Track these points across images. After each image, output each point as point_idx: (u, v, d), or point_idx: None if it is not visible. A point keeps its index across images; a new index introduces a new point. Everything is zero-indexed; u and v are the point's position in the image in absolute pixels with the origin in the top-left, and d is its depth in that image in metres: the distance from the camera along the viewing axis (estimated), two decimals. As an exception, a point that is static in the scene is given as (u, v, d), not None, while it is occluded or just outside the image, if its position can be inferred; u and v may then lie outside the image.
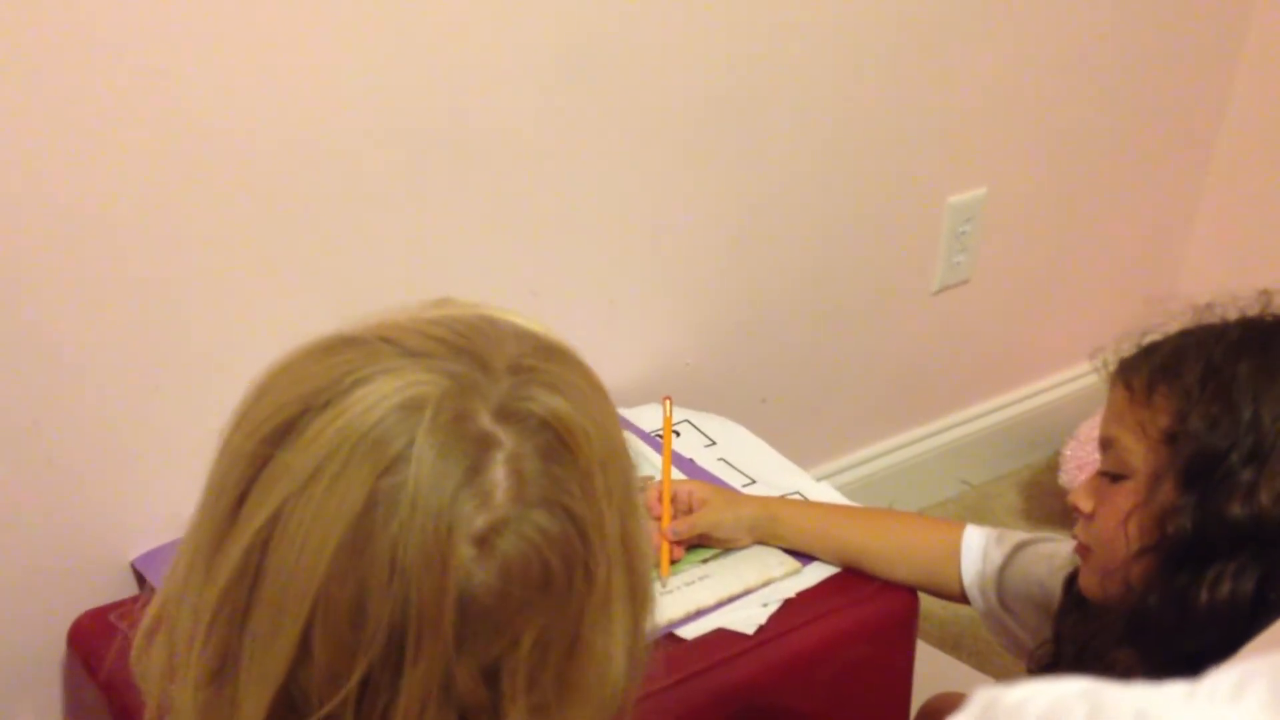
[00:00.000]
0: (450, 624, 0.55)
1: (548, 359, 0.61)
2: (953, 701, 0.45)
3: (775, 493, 1.33)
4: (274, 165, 1.18)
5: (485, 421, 0.57)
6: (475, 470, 0.56)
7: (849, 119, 1.57)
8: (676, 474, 1.31)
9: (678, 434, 1.41)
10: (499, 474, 0.56)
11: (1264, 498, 0.90)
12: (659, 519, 1.21)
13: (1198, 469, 0.92)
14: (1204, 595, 0.90)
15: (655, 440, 1.38)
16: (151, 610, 0.63)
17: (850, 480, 1.79)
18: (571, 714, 0.60)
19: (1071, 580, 1.08)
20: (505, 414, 0.58)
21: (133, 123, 1.09)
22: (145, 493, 1.23)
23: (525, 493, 0.57)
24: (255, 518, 0.56)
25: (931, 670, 1.36)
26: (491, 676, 0.57)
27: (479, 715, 0.57)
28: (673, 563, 1.21)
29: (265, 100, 1.15)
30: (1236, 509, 0.90)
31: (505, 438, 0.57)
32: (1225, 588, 0.90)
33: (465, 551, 0.55)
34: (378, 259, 1.27)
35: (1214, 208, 2.02)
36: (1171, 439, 0.94)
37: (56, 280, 1.12)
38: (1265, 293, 1.01)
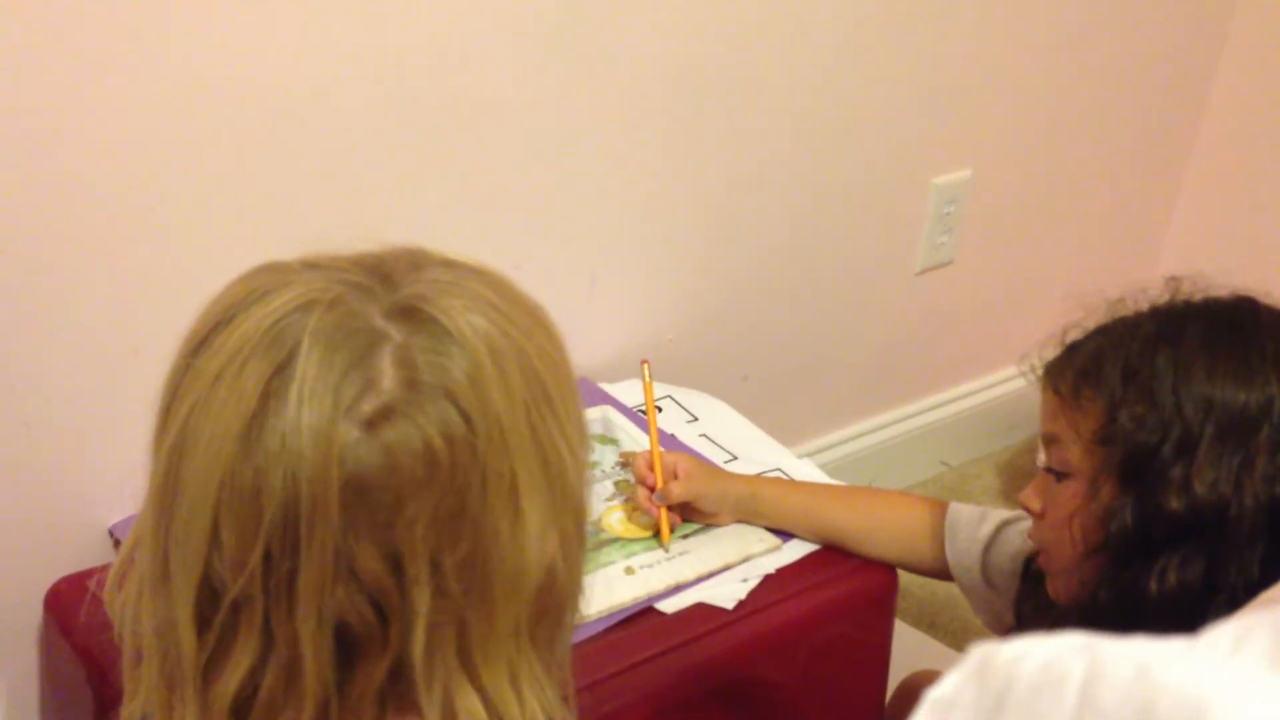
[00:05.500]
0: (337, 503, 0.58)
1: (466, 276, 0.64)
2: (930, 678, 0.45)
3: (757, 469, 1.33)
4: (254, 132, 1.17)
5: (376, 319, 0.61)
6: (363, 359, 0.59)
7: (835, 98, 1.56)
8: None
9: (660, 409, 1.41)
10: (386, 363, 0.60)
11: (1197, 488, 0.93)
12: (651, 488, 1.21)
13: (1132, 467, 0.95)
14: (1153, 587, 0.93)
15: (637, 416, 1.38)
16: (127, 542, 0.67)
17: (829, 460, 1.79)
18: (499, 608, 0.62)
19: (1028, 564, 1.11)
20: (395, 313, 0.61)
21: (115, 73, 1.08)
22: (123, 458, 1.20)
23: (413, 379, 0.60)
24: (174, 424, 0.61)
25: (909, 648, 1.36)
26: (394, 561, 0.60)
27: (389, 599, 0.60)
28: (672, 530, 1.21)
29: (249, 62, 1.14)
30: (1173, 503, 0.93)
31: (395, 332, 0.60)
32: (1172, 578, 0.93)
33: (350, 434, 0.58)
34: (357, 232, 1.26)
35: (1195, 192, 2.03)
36: (1104, 440, 0.97)
37: (32, 240, 1.10)
38: (1174, 279, 1.04)
